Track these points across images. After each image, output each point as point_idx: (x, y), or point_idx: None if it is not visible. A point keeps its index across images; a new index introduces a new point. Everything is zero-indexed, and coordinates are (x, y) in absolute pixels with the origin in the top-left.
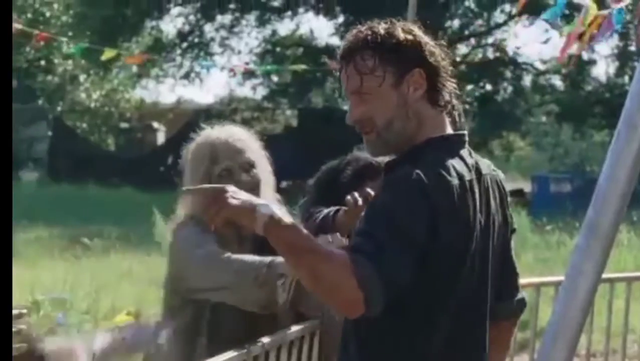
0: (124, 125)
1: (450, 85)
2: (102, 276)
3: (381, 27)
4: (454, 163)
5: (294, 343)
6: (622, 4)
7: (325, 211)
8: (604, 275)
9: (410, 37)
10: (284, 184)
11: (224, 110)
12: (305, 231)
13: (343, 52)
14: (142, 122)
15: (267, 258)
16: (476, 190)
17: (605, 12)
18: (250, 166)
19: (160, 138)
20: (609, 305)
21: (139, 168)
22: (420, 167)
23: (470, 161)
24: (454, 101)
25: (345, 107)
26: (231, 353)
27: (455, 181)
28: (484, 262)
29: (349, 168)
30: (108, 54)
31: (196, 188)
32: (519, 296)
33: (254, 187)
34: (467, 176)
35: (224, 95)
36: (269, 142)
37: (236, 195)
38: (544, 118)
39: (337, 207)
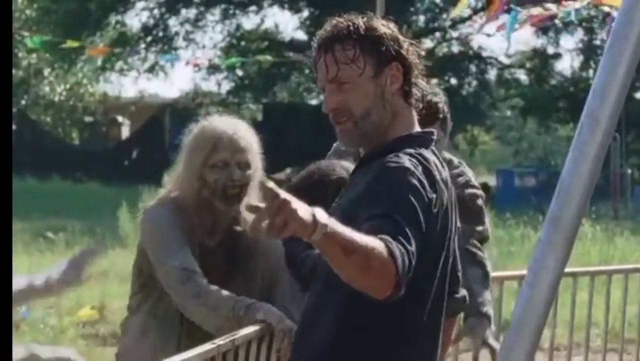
0: (88, 119)
1: (421, 83)
2: None
3: (361, 20)
4: (433, 158)
5: (263, 339)
6: None
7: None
8: (568, 269)
9: (389, 31)
10: None
11: (189, 105)
12: (348, 229)
13: (322, 41)
14: (107, 116)
15: (246, 300)
16: (450, 186)
17: None
18: (246, 165)
19: (125, 132)
20: (572, 298)
21: (103, 162)
22: (407, 158)
23: (438, 158)
24: (423, 99)
25: (311, 102)
26: (200, 349)
27: (437, 175)
28: (449, 258)
29: (336, 171)
30: (71, 44)
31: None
32: (461, 293)
33: (243, 187)
34: (443, 172)
35: (189, 90)
36: None
37: (295, 204)
38: (508, 113)
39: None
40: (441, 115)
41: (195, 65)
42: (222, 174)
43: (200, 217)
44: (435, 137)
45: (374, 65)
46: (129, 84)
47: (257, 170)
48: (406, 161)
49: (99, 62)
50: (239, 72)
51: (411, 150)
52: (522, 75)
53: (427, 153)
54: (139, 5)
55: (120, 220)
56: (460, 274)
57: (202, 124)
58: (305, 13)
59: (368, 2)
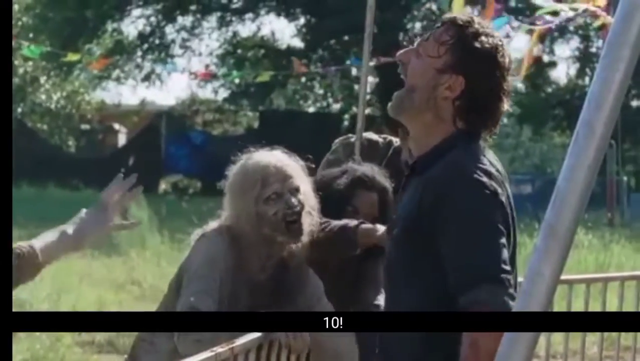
0: (84, 126)
1: (485, 113)
2: (63, 278)
3: (482, 28)
4: (486, 155)
5: (262, 347)
6: None
7: (340, 223)
8: (563, 276)
9: (487, 49)
10: None
11: (185, 112)
12: None
13: (446, 18)
14: (103, 124)
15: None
16: (507, 187)
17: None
18: (297, 190)
19: (122, 140)
20: (568, 306)
21: (99, 170)
22: (467, 162)
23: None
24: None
25: (308, 109)
26: (198, 357)
27: (495, 172)
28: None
29: (345, 176)
30: (71, 57)
31: None
32: None
33: (300, 211)
34: (500, 168)
35: (185, 97)
36: (230, 144)
37: None
38: (504, 120)
39: (358, 221)
40: None
41: (192, 73)
42: (279, 206)
43: (257, 252)
44: (482, 133)
45: (447, 63)
46: (127, 92)
47: (309, 194)
48: (473, 168)
49: (95, 71)
50: (236, 80)
51: (468, 153)
52: (518, 83)
53: (475, 148)
54: (136, 12)
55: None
56: None
57: (243, 162)
58: (302, 20)
59: (363, 9)
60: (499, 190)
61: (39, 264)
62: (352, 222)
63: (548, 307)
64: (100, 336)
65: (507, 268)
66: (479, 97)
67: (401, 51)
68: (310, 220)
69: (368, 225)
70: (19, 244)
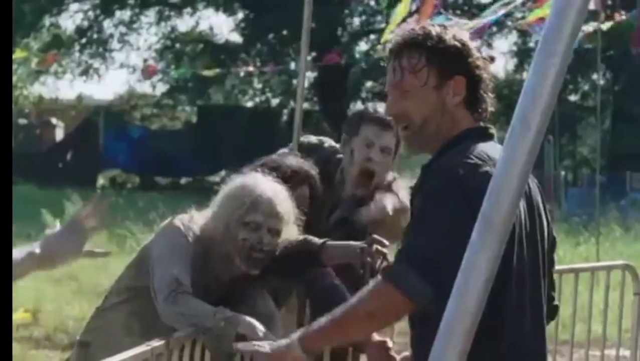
0: (22, 121)
1: (488, 98)
2: None
3: (434, 30)
4: (485, 150)
5: (197, 341)
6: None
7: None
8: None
9: (459, 44)
10: (183, 180)
11: (124, 107)
12: (323, 319)
13: (393, 47)
14: (41, 118)
15: (227, 312)
16: None
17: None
18: (276, 233)
19: (59, 134)
20: None
21: (37, 165)
22: (451, 158)
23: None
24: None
25: (246, 104)
26: (133, 351)
27: (488, 168)
28: (534, 258)
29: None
30: (19, 54)
31: None
32: (555, 302)
33: (268, 253)
34: (490, 162)
35: (123, 92)
36: (168, 139)
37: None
38: None
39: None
40: None
41: (151, 72)
42: (252, 235)
43: (213, 264)
44: (490, 132)
45: (437, 76)
46: (65, 87)
47: (286, 240)
48: (444, 170)
49: (33, 65)
50: (174, 74)
51: (460, 147)
52: None
53: (478, 147)
54: (73, 7)
55: (50, 224)
56: (553, 282)
57: (244, 179)
58: (240, 15)
59: (301, 4)
60: (480, 188)
61: None
62: (316, 240)
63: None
64: (37, 332)
65: (436, 258)
66: (480, 85)
67: (386, 109)
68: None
69: (335, 243)
70: None
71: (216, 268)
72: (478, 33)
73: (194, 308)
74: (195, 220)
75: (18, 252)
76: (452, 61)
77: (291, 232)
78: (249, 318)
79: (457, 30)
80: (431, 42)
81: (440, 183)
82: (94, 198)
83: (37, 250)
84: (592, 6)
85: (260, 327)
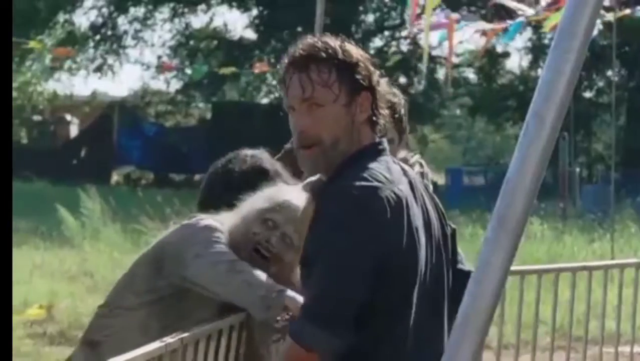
0: (36, 117)
1: (384, 114)
2: (14, 270)
3: (337, 44)
4: (381, 170)
5: (212, 337)
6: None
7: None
8: (515, 267)
9: (362, 59)
10: (197, 177)
11: (138, 103)
12: None
13: (295, 59)
14: (55, 115)
15: (279, 286)
16: (409, 195)
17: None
18: (289, 243)
19: (74, 131)
20: (520, 297)
21: (51, 161)
22: (348, 180)
23: (396, 167)
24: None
25: (261, 101)
26: (148, 347)
27: (388, 191)
28: (437, 263)
29: (237, 169)
30: (34, 44)
31: None
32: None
33: (273, 257)
34: (398, 182)
35: (138, 89)
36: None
37: None
38: (457, 111)
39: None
40: (396, 115)
41: (167, 69)
42: (264, 232)
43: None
44: (383, 146)
45: (347, 93)
46: (80, 83)
47: (295, 258)
48: (339, 193)
49: (47, 62)
50: (188, 71)
51: (355, 170)
52: (470, 74)
53: (376, 165)
54: (87, 3)
55: (66, 220)
56: (469, 268)
57: (281, 186)
58: (254, 12)
59: (315, 1)
60: (380, 212)
61: None
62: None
63: (498, 297)
64: (51, 328)
65: (332, 309)
66: (380, 99)
67: (294, 126)
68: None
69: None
70: None
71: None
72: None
73: (256, 275)
74: (220, 218)
75: None
76: (359, 76)
77: (294, 257)
78: (294, 294)
79: (353, 44)
80: (339, 57)
81: (337, 209)
82: None
83: None
84: (607, 2)
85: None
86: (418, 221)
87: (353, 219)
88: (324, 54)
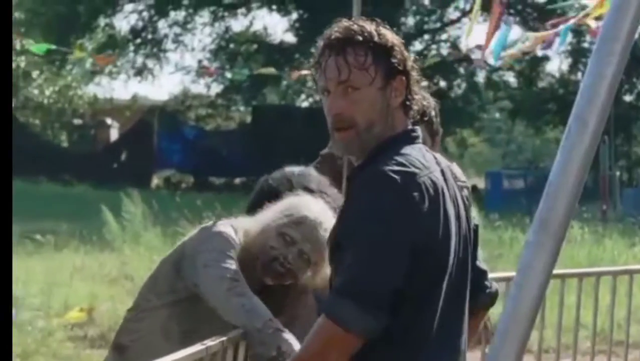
0: (77, 121)
1: (419, 99)
2: (55, 273)
3: (372, 27)
4: (417, 156)
5: (216, 355)
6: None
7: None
8: (556, 271)
9: (397, 43)
10: (237, 181)
11: (178, 107)
12: None
13: (332, 41)
14: (96, 119)
15: (279, 324)
16: (443, 184)
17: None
18: (307, 259)
19: (114, 134)
20: (560, 300)
21: (91, 165)
22: (385, 165)
23: (429, 155)
24: (421, 114)
25: (302, 104)
26: (189, 350)
27: (424, 177)
28: (463, 255)
29: (282, 190)
30: (78, 54)
31: None
32: (493, 288)
33: (289, 273)
34: (433, 170)
35: (178, 92)
36: (222, 139)
37: None
38: (497, 115)
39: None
40: (426, 118)
41: (210, 73)
42: (281, 249)
43: (250, 268)
44: (417, 133)
45: (382, 76)
46: (120, 87)
47: (316, 273)
48: (378, 174)
49: (88, 65)
50: (228, 75)
51: (391, 154)
52: (510, 78)
53: (412, 151)
54: (128, 7)
55: (107, 223)
56: (485, 268)
57: (301, 197)
58: (294, 15)
59: (365, 4)
60: (415, 198)
61: None
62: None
63: (540, 301)
64: (92, 331)
65: (373, 288)
66: (414, 86)
67: (329, 108)
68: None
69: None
70: None
71: (256, 275)
72: (549, 44)
73: (256, 304)
74: (238, 226)
75: None
76: (395, 60)
77: (319, 269)
78: (291, 337)
79: (388, 28)
80: (375, 40)
81: (375, 193)
82: None
83: None
84: None
85: (297, 345)
86: (451, 210)
87: (391, 203)
88: (360, 37)
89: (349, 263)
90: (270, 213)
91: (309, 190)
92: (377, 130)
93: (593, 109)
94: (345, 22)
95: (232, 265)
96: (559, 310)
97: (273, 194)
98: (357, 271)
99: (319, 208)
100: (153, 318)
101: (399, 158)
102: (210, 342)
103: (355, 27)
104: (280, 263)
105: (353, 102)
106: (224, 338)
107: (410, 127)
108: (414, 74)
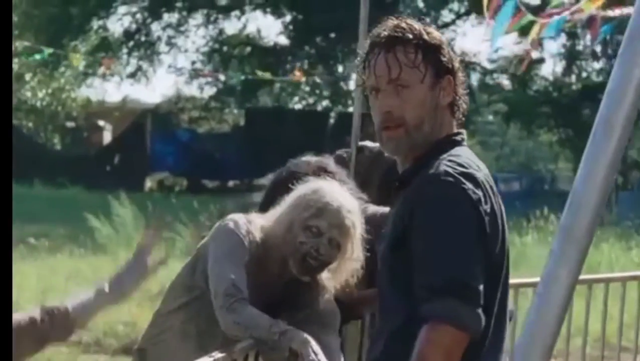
0: (70, 124)
1: (463, 99)
2: (49, 277)
3: (420, 26)
4: (473, 159)
5: (260, 351)
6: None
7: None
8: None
9: (445, 43)
10: (231, 183)
11: (171, 110)
12: None
13: (381, 39)
14: (89, 121)
15: (282, 326)
16: (493, 186)
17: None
18: (336, 246)
19: (107, 137)
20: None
21: (85, 168)
22: (447, 166)
23: (476, 158)
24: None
25: (295, 106)
26: (214, 355)
27: (482, 176)
28: (507, 260)
29: (302, 171)
30: (75, 61)
31: None
32: (509, 306)
33: (323, 264)
34: (485, 170)
35: (171, 95)
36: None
37: None
38: (491, 118)
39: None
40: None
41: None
42: (311, 241)
43: (271, 265)
44: (464, 136)
45: (432, 75)
46: (112, 89)
47: (347, 255)
48: (443, 180)
49: (81, 68)
50: (222, 77)
51: (448, 156)
52: (504, 81)
53: (464, 153)
54: (121, 10)
55: (101, 227)
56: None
57: (318, 184)
58: (288, 17)
59: (350, 7)
60: (482, 197)
61: (72, 322)
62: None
63: (565, 311)
64: (87, 336)
65: (474, 284)
66: (460, 87)
67: (380, 106)
68: (331, 280)
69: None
70: (51, 305)
71: (273, 270)
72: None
73: (250, 317)
74: (254, 221)
75: (85, 294)
76: (444, 59)
77: (355, 249)
78: (304, 335)
79: (435, 27)
80: (424, 38)
81: (445, 193)
82: (150, 228)
83: (106, 287)
84: None
85: (314, 345)
86: (501, 210)
87: (465, 205)
88: (410, 35)
89: (436, 265)
90: (289, 209)
91: (328, 173)
92: (426, 129)
93: (620, 112)
94: (393, 21)
95: (232, 273)
96: (568, 317)
97: (292, 178)
98: (452, 270)
99: (337, 191)
100: (171, 321)
101: (458, 160)
102: (217, 354)
103: (403, 24)
104: (313, 257)
105: (403, 100)
106: (244, 345)
107: (456, 129)
108: (460, 75)
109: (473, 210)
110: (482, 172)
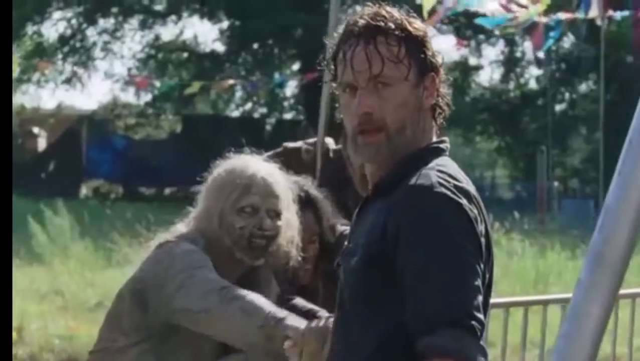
0: None
1: (446, 101)
2: None
3: (402, 17)
4: (459, 171)
5: None
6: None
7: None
8: (561, 295)
9: (428, 34)
10: (167, 191)
11: (107, 116)
12: None
13: (360, 29)
14: (23, 128)
15: (281, 312)
16: (481, 203)
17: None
18: (276, 215)
19: (42, 144)
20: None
21: (19, 175)
22: (437, 177)
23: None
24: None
25: (232, 114)
26: None
27: (472, 190)
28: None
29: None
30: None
31: None
32: None
33: (271, 238)
34: (469, 182)
35: (107, 101)
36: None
37: None
38: None
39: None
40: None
41: (140, 84)
42: (249, 221)
43: (219, 265)
44: (447, 144)
45: (416, 72)
46: (47, 96)
47: (287, 224)
48: (435, 192)
49: (15, 74)
50: (158, 84)
51: (433, 165)
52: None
53: (450, 164)
54: (56, 15)
55: (35, 236)
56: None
57: (231, 161)
58: (225, 24)
59: (288, 14)
60: (477, 215)
61: None
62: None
63: (597, 350)
64: (22, 351)
65: (478, 314)
66: (441, 85)
67: (358, 105)
68: (287, 250)
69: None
70: None
71: (227, 268)
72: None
73: (252, 300)
74: (182, 231)
75: None
76: (428, 54)
77: (291, 216)
78: (294, 320)
79: (417, 17)
80: (407, 29)
81: (441, 208)
82: None
83: None
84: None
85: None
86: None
87: (459, 222)
88: (391, 24)
89: (437, 292)
90: (214, 200)
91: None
92: (408, 133)
93: None
94: (370, 8)
95: (210, 273)
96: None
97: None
98: (457, 298)
99: (252, 161)
100: (124, 359)
101: (448, 171)
102: None
103: (384, 12)
104: (259, 236)
105: (384, 100)
106: None
107: (434, 138)
108: (442, 73)
109: (471, 229)
110: (471, 186)
